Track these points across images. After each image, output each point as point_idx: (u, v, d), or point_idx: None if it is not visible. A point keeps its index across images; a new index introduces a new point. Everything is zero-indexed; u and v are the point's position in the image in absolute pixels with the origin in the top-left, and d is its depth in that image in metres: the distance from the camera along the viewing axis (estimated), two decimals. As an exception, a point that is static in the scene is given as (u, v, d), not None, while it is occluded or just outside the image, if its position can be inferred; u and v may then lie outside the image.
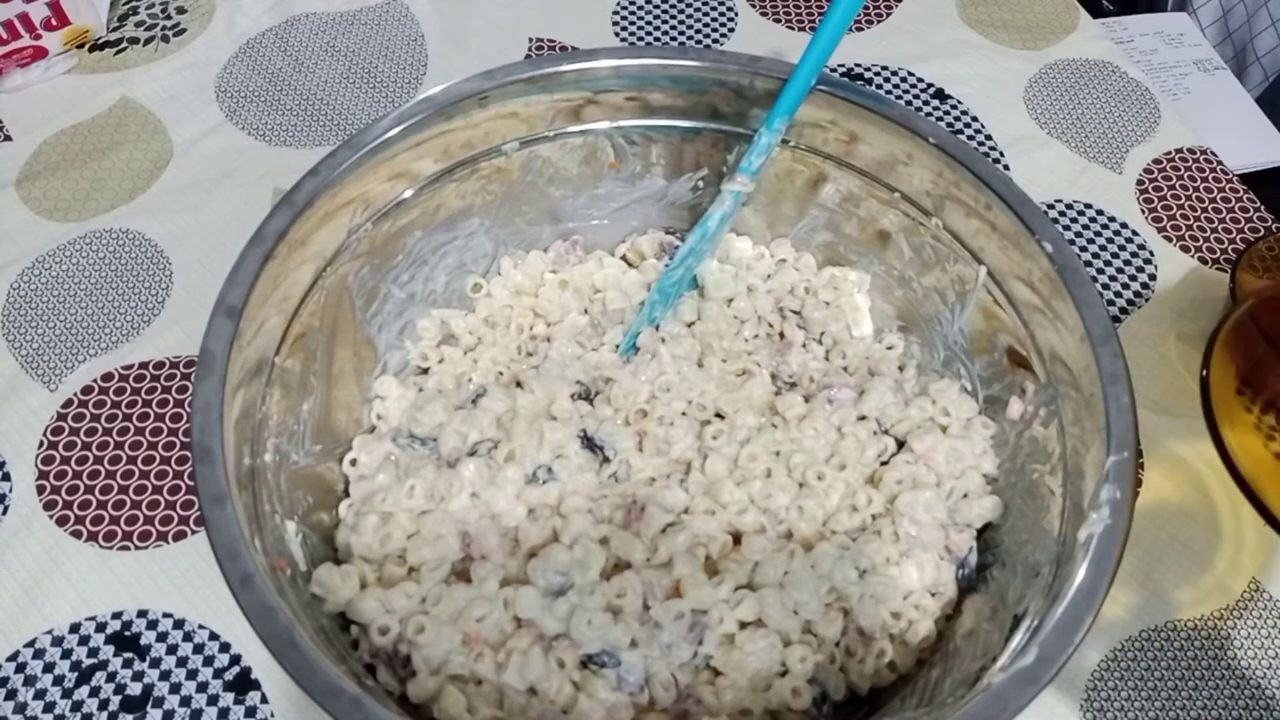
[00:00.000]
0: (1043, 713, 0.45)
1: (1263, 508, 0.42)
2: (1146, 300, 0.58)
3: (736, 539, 0.44)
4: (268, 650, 0.33)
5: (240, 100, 0.66)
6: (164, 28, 0.69)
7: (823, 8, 0.72)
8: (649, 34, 0.71)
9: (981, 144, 0.65)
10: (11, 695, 0.44)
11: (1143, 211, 0.62)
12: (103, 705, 0.44)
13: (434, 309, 0.51)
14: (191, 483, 0.42)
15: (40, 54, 0.65)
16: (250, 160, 0.63)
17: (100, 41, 0.68)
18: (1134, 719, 0.45)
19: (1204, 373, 0.45)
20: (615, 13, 0.72)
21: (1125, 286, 0.59)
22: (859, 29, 0.71)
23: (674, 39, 0.70)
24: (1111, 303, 0.58)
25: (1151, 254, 0.60)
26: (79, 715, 0.44)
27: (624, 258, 0.55)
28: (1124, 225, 0.61)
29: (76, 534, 0.49)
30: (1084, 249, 0.60)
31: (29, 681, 0.45)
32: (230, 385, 0.38)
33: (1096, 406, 0.39)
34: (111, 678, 0.45)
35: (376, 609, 0.40)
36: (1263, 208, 0.62)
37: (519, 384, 0.49)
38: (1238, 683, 0.46)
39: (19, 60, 0.65)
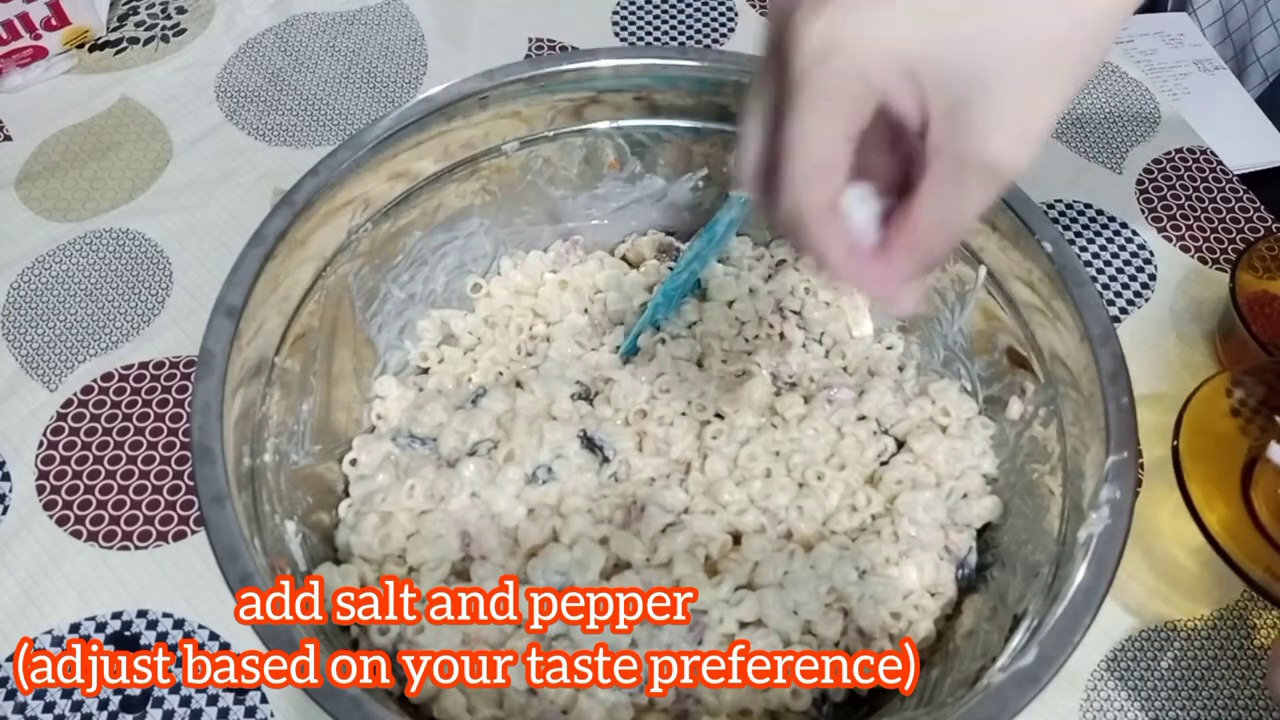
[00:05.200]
0: (1043, 713, 0.45)
1: (1243, 574, 0.42)
2: (1146, 300, 0.58)
3: (736, 539, 0.44)
4: (267, 650, 0.33)
5: (240, 100, 0.66)
6: (164, 28, 0.69)
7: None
8: (649, 34, 0.71)
9: (981, 144, 0.65)
10: (11, 695, 0.44)
11: (1142, 211, 0.62)
12: (102, 705, 0.44)
13: (434, 309, 0.51)
14: (191, 483, 0.42)
15: (40, 54, 0.65)
16: (250, 160, 0.63)
17: (100, 41, 0.68)
18: (1134, 719, 0.45)
19: (1175, 443, 0.45)
20: (615, 13, 0.72)
21: (1125, 286, 0.59)
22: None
23: (674, 39, 0.70)
24: (1111, 303, 0.58)
25: (1151, 254, 0.60)
26: (79, 715, 0.44)
27: (624, 258, 0.55)
28: (1124, 225, 0.61)
29: (76, 534, 0.49)
30: (1084, 249, 0.60)
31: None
32: (230, 385, 0.38)
33: (1096, 406, 0.39)
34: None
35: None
36: (1263, 208, 0.62)
37: (519, 384, 0.49)
38: (1237, 683, 0.46)
39: (19, 60, 0.65)
